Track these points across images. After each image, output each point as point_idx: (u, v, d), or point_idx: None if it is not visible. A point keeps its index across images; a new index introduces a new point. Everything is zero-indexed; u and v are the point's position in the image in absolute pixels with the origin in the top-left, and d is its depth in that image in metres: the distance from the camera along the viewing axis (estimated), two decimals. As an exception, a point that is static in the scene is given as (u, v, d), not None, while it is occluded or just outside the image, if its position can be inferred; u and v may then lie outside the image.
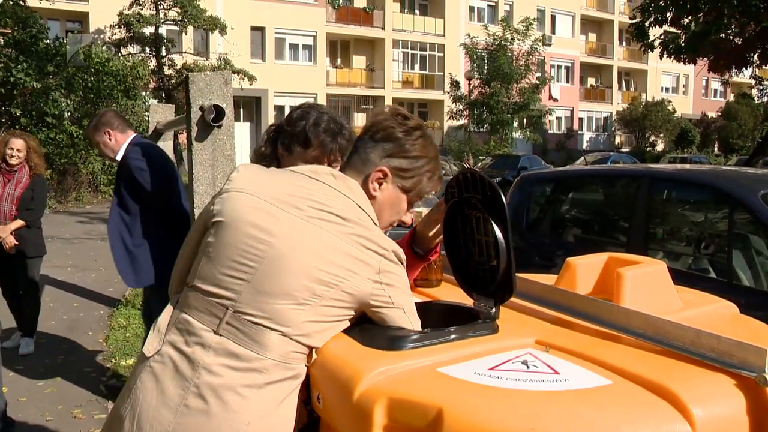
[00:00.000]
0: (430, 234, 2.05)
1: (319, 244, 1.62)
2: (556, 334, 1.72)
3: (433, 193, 1.92)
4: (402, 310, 1.69)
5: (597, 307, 1.77)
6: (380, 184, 1.77)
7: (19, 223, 5.79)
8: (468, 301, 1.92)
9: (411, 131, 1.80)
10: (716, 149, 49.41)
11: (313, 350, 1.66)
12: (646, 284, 1.89)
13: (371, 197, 1.76)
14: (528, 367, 1.49)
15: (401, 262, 1.71)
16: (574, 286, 2.03)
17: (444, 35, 41.04)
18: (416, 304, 1.99)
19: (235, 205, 1.68)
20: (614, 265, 2.02)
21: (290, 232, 1.63)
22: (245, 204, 1.68)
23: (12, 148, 5.83)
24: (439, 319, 1.81)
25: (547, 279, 2.16)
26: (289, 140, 2.41)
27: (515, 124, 34.33)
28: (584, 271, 2.09)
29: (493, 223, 1.76)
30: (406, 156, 1.78)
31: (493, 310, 1.81)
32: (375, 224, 1.72)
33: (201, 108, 3.86)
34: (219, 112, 3.85)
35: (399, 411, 1.39)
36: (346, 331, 1.70)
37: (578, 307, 1.82)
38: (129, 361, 5.71)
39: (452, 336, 1.66)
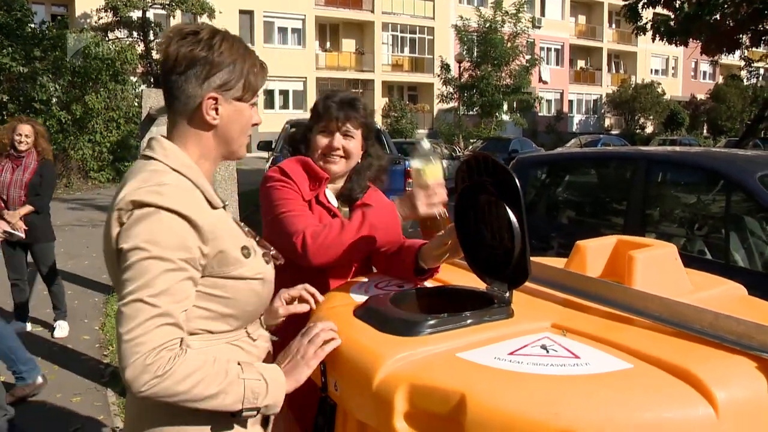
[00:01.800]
0: (436, 253, 2.05)
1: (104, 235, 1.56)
2: (572, 318, 1.72)
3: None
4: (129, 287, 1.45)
5: (612, 290, 1.77)
6: (216, 110, 1.62)
7: (28, 208, 5.81)
8: (480, 285, 1.91)
9: (210, 42, 1.62)
10: (705, 131, 49.51)
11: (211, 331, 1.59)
12: (658, 267, 1.90)
13: (212, 127, 1.64)
14: (547, 351, 1.49)
15: (138, 208, 1.48)
16: (584, 269, 2.03)
17: (434, 18, 40.85)
18: (428, 289, 1.98)
19: None
20: (624, 248, 2.03)
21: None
22: None
23: (20, 134, 5.85)
24: (452, 304, 1.80)
25: (556, 262, 2.16)
26: (310, 120, 2.45)
27: (505, 107, 34.28)
28: (594, 254, 2.10)
29: (506, 206, 1.75)
30: (220, 69, 1.61)
31: (507, 294, 1.80)
32: (171, 168, 1.57)
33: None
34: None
35: (420, 397, 1.39)
36: (362, 318, 1.70)
37: (592, 290, 1.82)
38: (126, 347, 5.69)
39: (469, 321, 1.66)
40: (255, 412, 1.53)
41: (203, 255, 1.52)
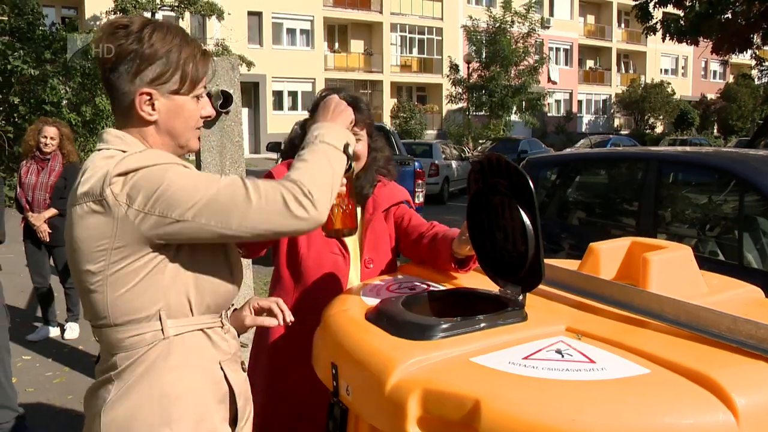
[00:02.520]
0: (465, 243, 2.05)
1: (69, 226, 1.50)
2: (586, 321, 1.70)
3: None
4: (179, 212, 1.42)
5: (627, 293, 1.74)
6: (152, 106, 1.55)
7: (52, 211, 5.81)
8: (493, 288, 1.89)
9: (139, 35, 1.53)
10: (715, 131, 49.26)
11: (196, 309, 1.55)
12: (673, 269, 1.87)
13: (151, 122, 1.56)
14: (563, 356, 1.47)
15: (137, 167, 1.44)
16: (597, 272, 2.01)
17: (442, 18, 40.79)
18: (441, 292, 1.96)
19: None
20: (638, 250, 2.00)
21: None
22: None
23: (45, 136, 5.84)
24: (465, 307, 1.78)
25: (569, 264, 2.14)
26: (311, 120, 2.40)
27: (514, 108, 34.21)
28: (608, 256, 2.07)
29: (520, 208, 1.73)
30: (152, 61, 1.53)
31: (521, 298, 1.78)
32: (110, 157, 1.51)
33: (208, 94, 3.82)
34: (227, 98, 3.81)
35: (434, 402, 1.37)
36: (374, 321, 1.68)
37: (607, 293, 1.80)
38: (137, 349, 5.70)
39: (482, 324, 1.64)
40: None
41: None
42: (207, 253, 1.56)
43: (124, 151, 1.50)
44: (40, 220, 5.76)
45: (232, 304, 1.75)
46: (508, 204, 1.77)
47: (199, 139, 1.69)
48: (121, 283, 1.47)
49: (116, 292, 1.48)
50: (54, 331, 6.19)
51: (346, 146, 1.61)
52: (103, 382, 1.54)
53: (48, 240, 5.82)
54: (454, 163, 19.15)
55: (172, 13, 29.19)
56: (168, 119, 1.57)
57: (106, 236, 1.44)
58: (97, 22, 28.68)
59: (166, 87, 1.55)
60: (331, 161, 1.54)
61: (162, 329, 1.51)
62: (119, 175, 1.43)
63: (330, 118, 1.69)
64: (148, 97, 1.54)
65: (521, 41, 32.86)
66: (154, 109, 1.55)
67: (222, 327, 1.63)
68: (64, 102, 18.19)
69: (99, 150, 1.55)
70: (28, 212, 5.83)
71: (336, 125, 1.65)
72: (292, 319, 1.86)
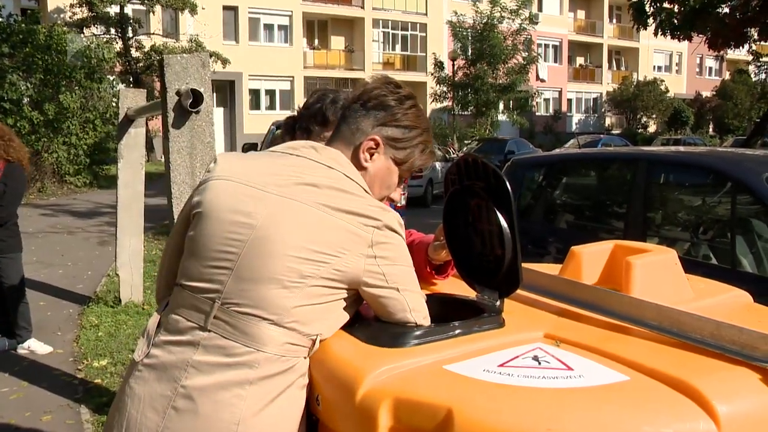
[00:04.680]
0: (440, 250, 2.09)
1: (303, 220, 1.59)
2: (566, 327, 1.71)
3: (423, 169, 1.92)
4: (396, 290, 1.65)
5: (608, 298, 1.76)
6: (372, 155, 1.76)
7: None
8: (469, 293, 1.90)
9: (403, 100, 1.78)
10: (711, 130, 49.72)
11: (317, 340, 1.63)
12: (657, 273, 1.89)
13: (362, 168, 1.74)
14: (539, 363, 1.48)
15: (398, 232, 1.66)
16: (579, 276, 2.03)
17: (426, 14, 40.91)
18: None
19: (214, 194, 1.68)
20: (621, 254, 2.02)
21: (271, 211, 1.61)
22: (224, 191, 1.67)
23: None
24: (440, 313, 1.79)
25: (550, 268, 2.16)
26: (306, 122, 2.39)
27: (501, 107, 34.35)
28: (590, 260, 2.09)
29: (497, 211, 1.74)
30: (398, 125, 1.76)
31: (498, 303, 1.80)
32: (367, 193, 1.70)
33: (177, 93, 3.82)
34: (197, 97, 3.80)
35: (405, 412, 1.38)
36: (345, 329, 1.68)
37: (587, 299, 1.82)
38: (102, 362, 5.66)
39: (457, 331, 1.65)
40: None
41: None
42: (357, 305, 1.73)
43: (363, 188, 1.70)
44: None
45: None
46: (485, 207, 1.78)
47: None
48: (315, 294, 1.60)
49: (306, 300, 1.59)
50: (10, 344, 6.00)
51: None
52: (235, 383, 1.56)
53: None
54: (438, 165, 19.17)
55: (142, 7, 29.04)
56: (374, 175, 1.77)
57: (338, 256, 1.59)
58: (61, 15, 28.39)
59: (392, 151, 1.78)
60: None
61: (310, 349, 1.63)
62: (388, 228, 1.63)
63: None
64: (375, 146, 1.76)
65: (511, 38, 32.99)
66: (371, 159, 1.76)
67: None
68: (25, 100, 17.99)
69: (330, 167, 1.69)
70: None
71: None
72: None
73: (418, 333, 1.61)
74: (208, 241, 1.64)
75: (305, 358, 1.63)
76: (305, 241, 1.58)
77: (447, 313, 1.76)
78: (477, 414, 1.29)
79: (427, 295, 2.01)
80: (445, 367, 1.47)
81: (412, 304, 1.67)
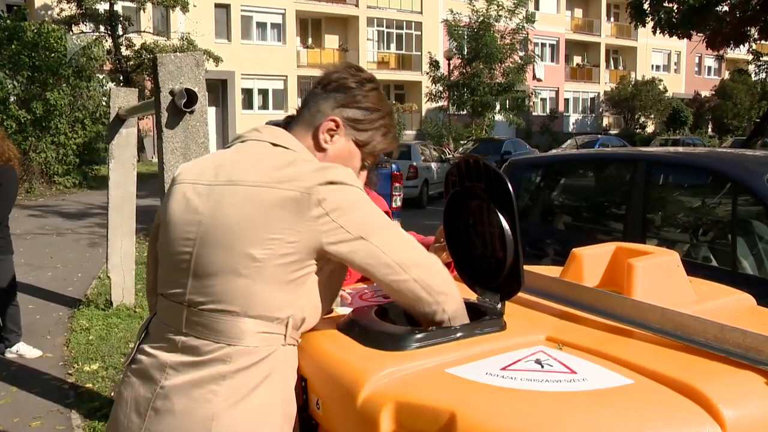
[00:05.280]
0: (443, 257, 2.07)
1: (242, 203, 1.59)
2: (568, 330, 1.72)
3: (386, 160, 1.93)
4: (362, 239, 1.59)
5: (610, 301, 1.77)
6: (332, 136, 1.77)
7: None
8: (470, 296, 1.91)
9: (364, 82, 1.82)
10: (710, 130, 49.84)
11: (289, 324, 1.61)
12: (659, 275, 1.90)
13: (322, 149, 1.77)
14: (542, 366, 1.49)
15: (347, 182, 1.62)
16: (580, 279, 2.04)
17: (421, 12, 40.95)
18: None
19: (172, 200, 1.73)
20: (623, 256, 2.03)
21: (213, 203, 1.63)
22: (180, 195, 1.71)
23: None
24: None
25: (551, 271, 2.17)
26: None
27: (498, 107, 34.36)
28: (591, 262, 2.10)
29: (498, 213, 1.75)
30: (359, 106, 1.79)
31: (499, 306, 1.80)
32: (310, 161, 1.70)
33: (171, 92, 3.82)
34: (191, 97, 3.80)
35: (407, 416, 1.38)
36: (345, 332, 1.69)
37: (589, 301, 1.82)
38: (93, 366, 5.65)
39: (458, 334, 1.65)
40: None
41: None
42: (335, 277, 1.72)
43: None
44: None
45: None
46: (487, 208, 1.79)
47: None
48: (277, 276, 1.57)
49: (268, 285, 1.57)
50: None
51: None
52: (208, 379, 1.57)
53: None
54: (433, 165, 19.20)
55: (132, 4, 28.97)
56: (335, 156, 1.77)
57: (287, 228, 1.56)
58: (48, 12, 28.30)
59: (353, 132, 1.79)
60: None
61: (285, 335, 1.61)
62: (330, 183, 1.58)
63: None
64: (335, 127, 1.77)
65: (508, 37, 33.01)
66: (331, 140, 1.77)
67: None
68: (12, 98, 17.91)
69: (273, 144, 1.72)
70: None
71: None
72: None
73: (419, 336, 1.62)
74: (170, 247, 1.69)
75: (284, 345, 1.61)
76: (247, 223, 1.57)
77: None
78: (480, 418, 1.30)
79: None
80: (448, 371, 1.48)
81: (393, 255, 1.62)
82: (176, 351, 1.63)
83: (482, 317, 1.75)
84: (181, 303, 1.64)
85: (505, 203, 1.74)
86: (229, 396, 1.55)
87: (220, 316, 1.58)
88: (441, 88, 34.07)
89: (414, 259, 1.64)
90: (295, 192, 1.56)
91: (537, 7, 44.81)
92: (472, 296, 1.90)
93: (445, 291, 1.66)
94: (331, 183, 1.58)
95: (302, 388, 1.67)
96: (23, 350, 5.95)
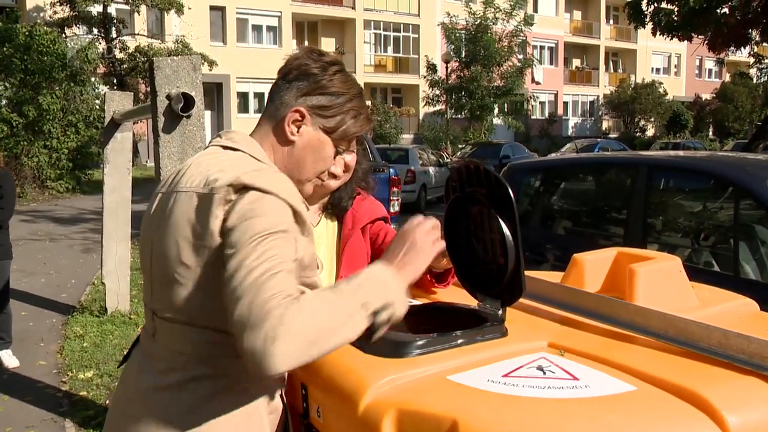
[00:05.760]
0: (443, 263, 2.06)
1: (175, 211, 1.57)
2: (570, 336, 1.73)
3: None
4: (236, 252, 1.41)
5: (612, 307, 1.78)
6: (298, 127, 1.72)
7: None
8: (471, 302, 1.92)
9: (327, 66, 1.75)
10: (711, 133, 49.90)
11: None
12: (661, 281, 1.91)
13: (289, 143, 1.72)
14: (544, 373, 1.49)
15: (258, 187, 1.49)
16: (581, 284, 2.04)
17: (419, 15, 41.00)
18: (416, 306, 1.99)
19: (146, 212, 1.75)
20: (625, 261, 2.04)
21: (160, 212, 1.63)
22: (150, 203, 1.73)
23: None
24: (442, 322, 1.81)
25: (552, 276, 2.17)
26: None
27: (496, 110, 34.38)
28: (592, 267, 2.11)
29: (499, 219, 1.76)
30: (324, 92, 1.73)
31: (500, 312, 1.81)
32: (260, 162, 1.64)
33: (168, 96, 3.83)
34: (188, 101, 3.81)
35: (409, 423, 1.39)
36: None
37: (591, 307, 1.83)
38: (88, 373, 5.64)
39: (460, 341, 1.66)
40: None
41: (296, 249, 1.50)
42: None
43: (257, 159, 1.65)
44: None
45: None
46: (487, 214, 1.80)
47: (314, 197, 1.86)
48: (213, 284, 1.49)
49: (204, 292, 1.53)
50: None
51: (380, 311, 1.43)
52: (166, 387, 1.58)
53: None
54: (431, 170, 19.21)
55: (126, 7, 28.96)
56: (304, 148, 1.73)
57: (210, 233, 1.49)
58: (41, 14, 28.29)
59: (320, 120, 1.73)
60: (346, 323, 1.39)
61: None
62: (243, 186, 1.49)
63: (401, 261, 1.57)
64: (300, 118, 1.71)
65: (506, 40, 33.03)
66: (298, 132, 1.72)
67: None
68: (4, 102, 17.87)
69: (224, 147, 1.68)
70: None
71: (398, 279, 1.52)
72: None
73: (420, 343, 1.63)
74: (141, 255, 1.72)
75: (238, 357, 1.37)
76: (177, 229, 1.55)
77: (449, 323, 1.78)
78: (482, 425, 1.30)
79: (427, 303, 2.03)
80: (449, 378, 1.49)
81: (256, 266, 1.38)
82: (147, 357, 1.66)
83: (483, 324, 1.75)
84: (150, 310, 1.67)
85: (506, 209, 1.75)
86: (185, 405, 1.55)
87: (174, 325, 1.59)
88: (438, 92, 34.09)
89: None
90: (206, 192, 1.52)
91: (535, 10, 44.86)
92: (473, 302, 1.91)
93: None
94: (240, 189, 1.49)
95: (302, 395, 1.67)
96: (3, 357, 5.93)
